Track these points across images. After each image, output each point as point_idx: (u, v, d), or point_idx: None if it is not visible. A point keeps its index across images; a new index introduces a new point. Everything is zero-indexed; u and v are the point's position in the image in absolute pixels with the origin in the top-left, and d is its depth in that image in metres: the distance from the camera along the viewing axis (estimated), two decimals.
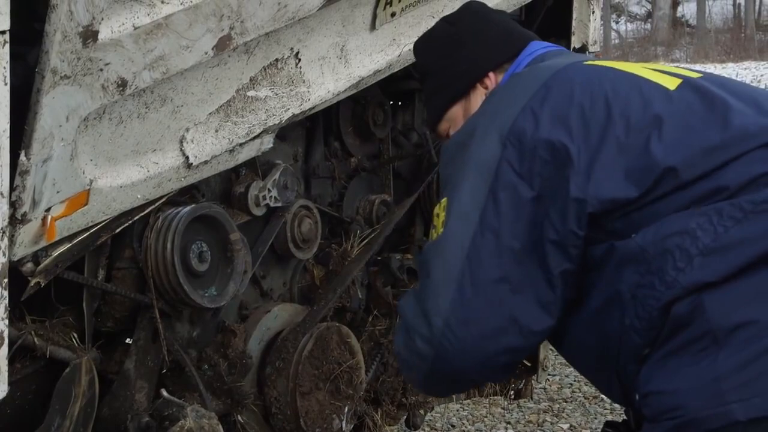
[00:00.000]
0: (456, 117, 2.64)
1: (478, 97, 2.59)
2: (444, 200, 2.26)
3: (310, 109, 3.32)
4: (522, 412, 5.72)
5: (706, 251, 2.07)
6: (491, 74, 2.60)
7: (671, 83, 2.28)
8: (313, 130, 3.86)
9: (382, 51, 3.57)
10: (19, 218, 2.50)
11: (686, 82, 2.29)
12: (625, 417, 2.26)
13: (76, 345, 2.97)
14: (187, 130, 2.95)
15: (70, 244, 2.75)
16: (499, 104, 2.30)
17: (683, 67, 2.43)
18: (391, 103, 4.24)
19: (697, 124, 2.19)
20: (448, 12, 3.65)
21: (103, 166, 2.75)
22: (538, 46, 2.61)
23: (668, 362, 2.10)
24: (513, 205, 2.18)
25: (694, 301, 2.06)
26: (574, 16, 4.45)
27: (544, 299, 2.19)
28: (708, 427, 2.03)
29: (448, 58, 2.67)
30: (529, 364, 4.40)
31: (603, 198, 2.15)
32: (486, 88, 2.59)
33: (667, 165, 2.14)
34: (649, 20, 40.31)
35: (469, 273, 2.17)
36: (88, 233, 2.80)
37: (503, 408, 5.67)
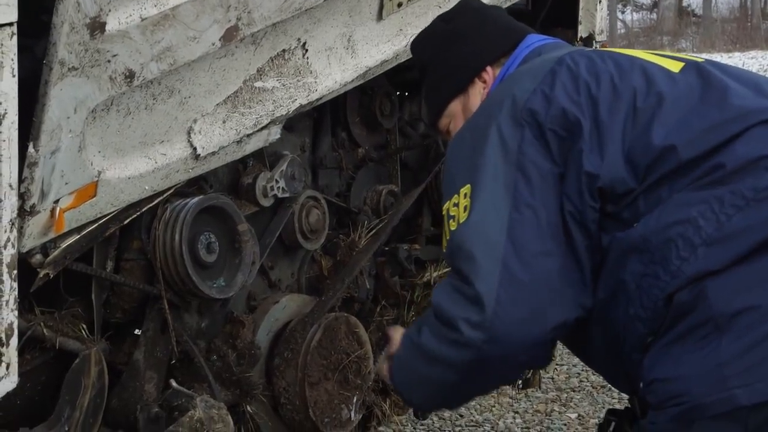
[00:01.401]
0: (456, 112, 2.65)
1: (476, 92, 2.61)
2: (465, 187, 2.25)
3: (318, 99, 3.32)
4: (530, 401, 5.72)
5: (709, 241, 2.08)
6: (489, 68, 2.61)
7: (675, 66, 2.30)
8: (320, 120, 3.86)
9: (389, 41, 3.57)
10: (28, 210, 2.51)
11: (689, 65, 2.31)
12: (628, 405, 2.26)
13: (85, 336, 2.98)
14: (195, 121, 2.96)
15: (78, 236, 2.76)
16: (507, 93, 2.31)
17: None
18: (398, 93, 4.24)
19: (697, 105, 2.21)
20: (454, 2, 3.66)
21: (111, 157, 2.75)
22: (535, 39, 2.62)
23: (672, 349, 2.11)
24: (543, 180, 2.19)
25: (697, 288, 2.08)
26: (581, 5, 4.45)
27: (582, 275, 2.21)
28: (712, 413, 2.04)
29: (446, 53, 2.68)
30: None
31: (613, 176, 2.16)
32: (484, 82, 2.61)
33: (667, 144, 2.16)
34: (655, 10, 40.24)
35: (512, 250, 2.16)
36: (96, 224, 2.80)
37: (511, 398, 5.68)
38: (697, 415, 2.05)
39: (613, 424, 2.29)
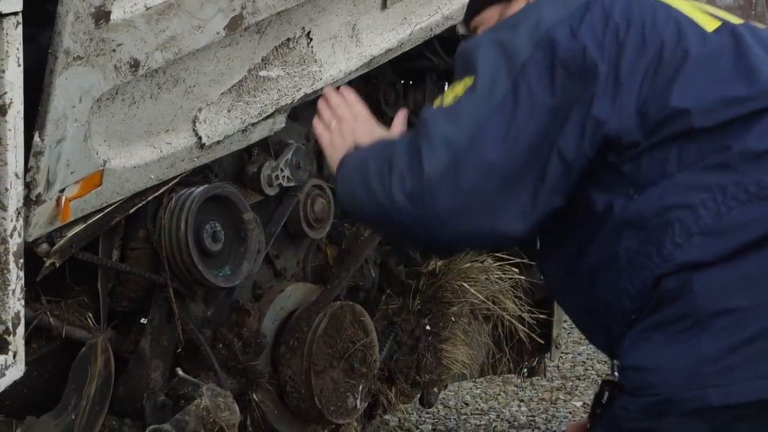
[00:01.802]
0: (490, 19, 2.53)
1: (517, 6, 2.51)
2: (462, 81, 2.18)
3: (322, 88, 3.32)
4: (535, 389, 5.73)
5: (707, 231, 2.07)
6: None
7: (711, 25, 2.22)
8: None
9: (394, 30, 3.57)
10: (34, 199, 2.51)
11: (725, 25, 2.23)
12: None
13: (92, 325, 2.99)
14: (200, 110, 2.96)
15: (84, 225, 2.77)
16: (539, 12, 2.23)
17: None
18: (403, 82, 4.23)
19: (724, 71, 2.15)
20: None
21: (116, 146, 2.76)
22: None
23: (652, 336, 2.10)
24: (530, 105, 2.13)
25: (684, 277, 2.06)
26: None
27: (526, 207, 2.15)
28: (683, 408, 2.05)
29: None
30: (542, 342, 4.40)
31: (622, 125, 2.12)
32: (527, 1, 2.51)
33: (682, 106, 2.11)
34: None
35: (470, 149, 2.12)
36: (101, 214, 2.81)
37: (516, 386, 5.69)
38: (667, 408, 2.06)
39: (607, 393, 2.30)
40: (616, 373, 2.27)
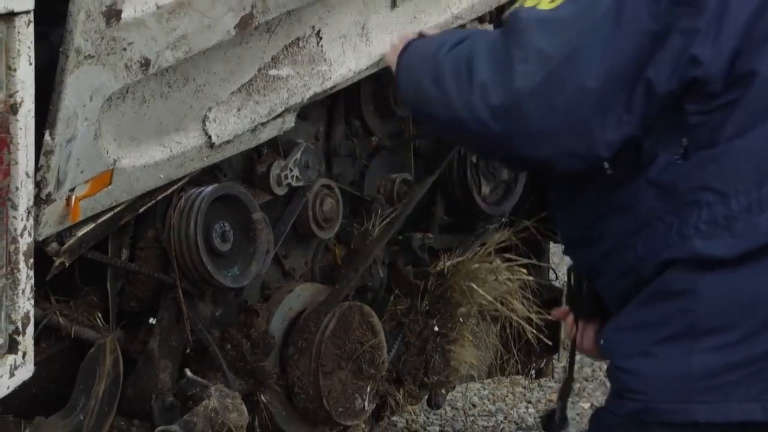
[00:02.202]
0: None
1: None
2: None
3: (332, 87, 3.31)
4: (543, 391, 5.71)
5: (730, 224, 2.04)
6: None
7: None
8: (334, 108, 3.84)
9: (403, 29, 3.55)
10: (44, 198, 2.50)
11: None
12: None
13: (101, 325, 2.98)
14: (210, 109, 2.95)
15: (94, 224, 2.75)
16: None
17: None
18: None
19: None
20: None
21: (126, 145, 2.75)
22: None
23: (643, 335, 2.08)
24: (631, 27, 2.01)
25: (692, 278, 2.04)
26: None
27: (612, 133, 2.05)
28: (666, 419, 2.05)
29: None
30: (550, 343, 4.39)
31: (713, 71, 2.02)
32: None
33: (757, 69, 2.02)
34: None
35: (566, 68, 2.00)
36: (111, 213, 2.80)
37: (524, 387, 5.67)
38: (651, 417, 2.06)
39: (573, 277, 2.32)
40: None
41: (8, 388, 2.43)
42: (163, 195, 2.97)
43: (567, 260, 2.50)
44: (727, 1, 2.02)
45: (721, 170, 2.04)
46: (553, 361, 4.70)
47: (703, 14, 2.01)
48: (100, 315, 2.99)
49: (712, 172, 2.04)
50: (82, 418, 2.85)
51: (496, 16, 3.99)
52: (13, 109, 2.31)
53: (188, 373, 3.12)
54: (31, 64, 2.32)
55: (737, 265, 2.04)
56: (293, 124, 3.25)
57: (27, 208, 2.40)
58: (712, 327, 2.03)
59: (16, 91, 2.31)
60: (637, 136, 2.07)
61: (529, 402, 5.57)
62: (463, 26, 3.77)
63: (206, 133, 2.94)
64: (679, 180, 2.06)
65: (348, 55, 3.36)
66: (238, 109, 3.02)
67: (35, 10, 2.32)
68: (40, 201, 2.49)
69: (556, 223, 2.46)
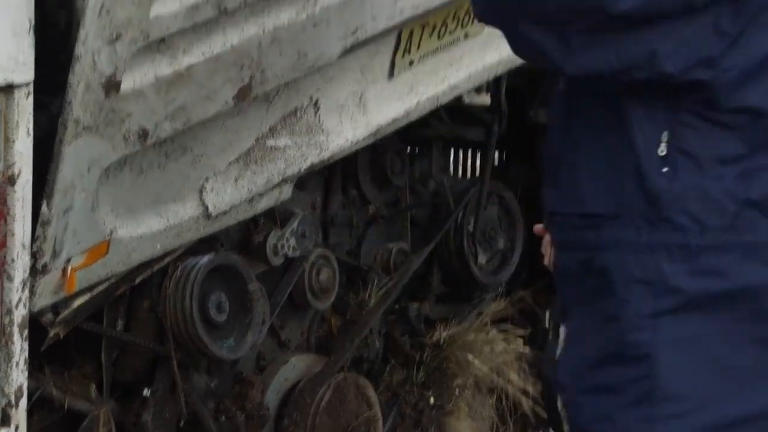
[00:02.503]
0: None
1: None
2: None
3: (329, 158, 3.31)
4: None
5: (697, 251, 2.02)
6: None
7: None
8: (331, 178, 3.85)
9: (400, 99, 3.56)
10: (40, 269, 2.48)
11: None
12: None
13: (94, 396, 2.95)
14: (207, 179, 2.94)
15: (89, 295, 2.74)
16: None
17: None
18: (409, 150, 4.23)
19: None
20: (466, 61, 3.66)
21: (123, 215, 2.73)
22: None
23: (604, 397, 2.06)
24: None
25: (653, 328, 2.02)
26: None
27: None
28: None
29: None
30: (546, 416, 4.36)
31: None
32: None
33: None
34: None
35: None
36: (107, 284, 2.79)
37: None
38: None
39: None
40: None
41: None
42: (160, 265, 2.95)
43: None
44: None
45: (706, 187, 2.03)
46: None
47: None
48: (94, 386, 2.97)
49: (702, 185, 2.03)
50: None
51: (493, 86, 4.02)
52: (11, 180, 2.30)
53: None
54: (29, 135, 2.32)
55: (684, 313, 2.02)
56: (290, 195, 3.24)
57: (23, 280, 2.39)
58: (669, 395, 2.01)
59: (14, 163, 2.30)
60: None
61: None
62: (460, 98, 3.79)
63: (203, 204, 2.93)
64: (671, 189, 2.04)
65: (345, 126, 3.36)
66: (236, 180, 3.02)
67: (35, 81, 2.32)
68: (35, 272, 2.47)
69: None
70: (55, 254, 2.51)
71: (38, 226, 2.44)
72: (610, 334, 2.05)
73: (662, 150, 2.01)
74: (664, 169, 2.01)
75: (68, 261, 2.58)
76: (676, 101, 2.00)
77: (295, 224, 3.47)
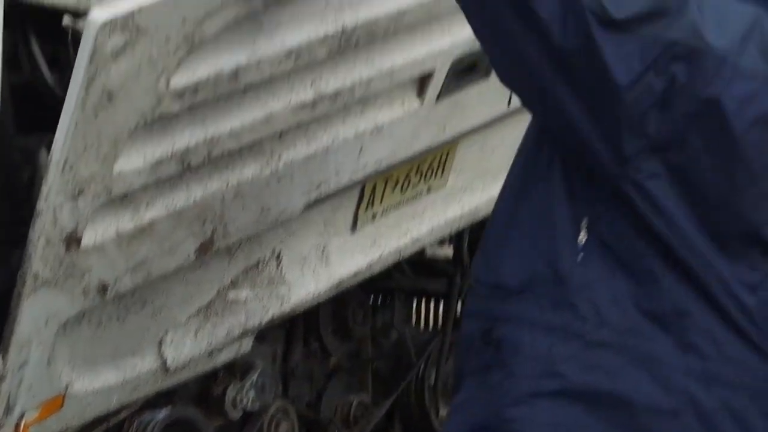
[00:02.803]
0: None
1: None
2: None
3: (291, 310, 3.30)
4: None
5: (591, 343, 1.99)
6: None
7: None
8: (292, 329, 3.83)
9: (363, 252, 3.57)
10: None
11: None
12: None
13: None
14: (167, 332, 2.93)
15: None
16: None
17: None
18: (371, 301, 4.23)
19: None
20: (429, 215, 3.69)
21: (80, 368, 2.71)
22: None
23: None
24: None
25: (531, 406, 1.98)
26: None
27: None
28: None
29: None
30: None
31: None
32: None
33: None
34: None
35: None
36: None
37: None
38: None
39: None
40: None
41: None
42: (116, 420, 2.91)
43: None
44: None
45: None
46: None
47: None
48: None
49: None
50: None
51: (455, 239, 4.05)
52: None
53: None
54: None
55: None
56: (250, 347, 3.22)
57: None
58: None
59: None
60: None
61: None
62: (422, 251, 3.81)
63: (162, 357, 2.91)
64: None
65: (308, 278, 3.36)
66: (195, 333, 3.00)
67: None
68: None
69: None
70: (8, 409, 2.48)
71: None
72: (490, 406, 2.02)
73: (582, 237, 2.02)
74: (580, 255, 2.02)
75: (22, 416, 2.54)
76: (601, 192, 2.02)
77: (255, 376, 3.44)
